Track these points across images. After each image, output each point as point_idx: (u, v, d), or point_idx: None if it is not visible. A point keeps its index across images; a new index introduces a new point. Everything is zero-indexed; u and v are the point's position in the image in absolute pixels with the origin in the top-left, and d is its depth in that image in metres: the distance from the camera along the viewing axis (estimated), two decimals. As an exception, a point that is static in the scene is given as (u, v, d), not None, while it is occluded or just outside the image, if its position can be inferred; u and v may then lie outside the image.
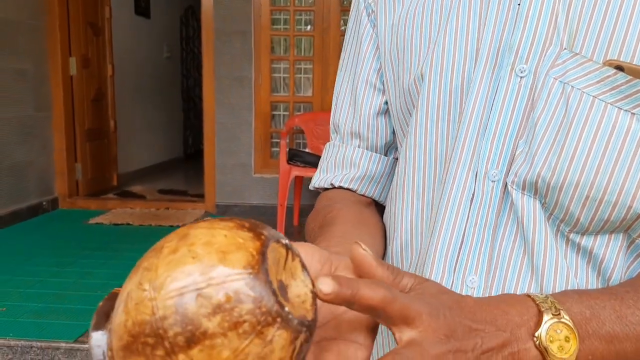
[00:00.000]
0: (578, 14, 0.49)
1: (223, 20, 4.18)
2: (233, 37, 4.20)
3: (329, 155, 0.71)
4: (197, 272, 0.30)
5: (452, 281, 0.53)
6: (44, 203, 4.34)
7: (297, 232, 3.96)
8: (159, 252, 0.32)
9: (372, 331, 0.38)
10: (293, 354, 0.31)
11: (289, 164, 3.72)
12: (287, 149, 3.78)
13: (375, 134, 0.67)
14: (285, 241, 0.33)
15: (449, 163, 0.55)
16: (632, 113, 0.47)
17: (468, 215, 0.53)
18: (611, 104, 0.48)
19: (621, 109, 0.47)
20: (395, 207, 0.62)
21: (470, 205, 0.53)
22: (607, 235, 0.51)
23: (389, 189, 0.68)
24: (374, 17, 0.65)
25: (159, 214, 4.40)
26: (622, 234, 0.51)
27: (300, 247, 0.37)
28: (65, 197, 4.52)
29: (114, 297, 0.36)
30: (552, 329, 0.40)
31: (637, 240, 0.51)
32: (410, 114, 0.60)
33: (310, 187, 0.73)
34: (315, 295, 0.33)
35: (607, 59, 0.48)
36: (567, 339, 0.40)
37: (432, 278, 0.54)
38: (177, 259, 0.31)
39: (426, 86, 0.56)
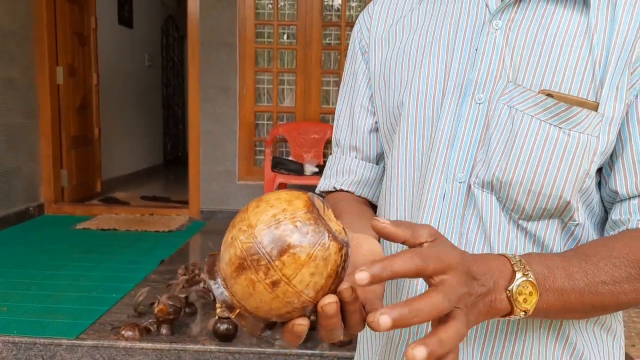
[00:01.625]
0: (519, 56, 0.66)
1: (209, 33, 4.33)
2: (219, 48, 4.35)
3: (332, 164, 0.86)
4: (276, 212, 0.46)
5: None
6: (30, 209, 4.41)
7: (279, 237, 4.11)
8: (245, 211, 0.48)
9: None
10: (341, 259, 0.47)
11: (273, 171, 3.88)
12: (272, 157, 3.95)
13: (369, 148, 0.82)
14: (322, 198, 0.50)
15: (426, 169, 0.70)
16: (559, 127, 0.63)
17: (441, 210, 0.68)
18: (544, 121, 0.63)
19: (552, 124, 0.63)
20: (386, 205, 0.76)
21: (443, 202, 0.68)
22: (546, 221, 0.66)
23: (380, 191, 0.82)
24: (367, 56, 0.81)
25: (144, 220, 4.50)
26: (557, 219, 0.66)
27: None
28: (51, 203, 4.59)
29: (213, 255, 0.53)
30: (521, 286, 0.52)
31: (568, 224, 0.67)
32: (394, 131, 0.75)
33: (317, 190, 0.87)
34: (344, 230, 0.49)
35: (541, 88, 0.64)
36: (530, 294, 0.53)
37: None
38: (260, 210, 0.47)
39: (406, 110, 0.72)
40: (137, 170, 6.68)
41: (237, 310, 0.49)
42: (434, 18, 0.73)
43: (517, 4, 0.67)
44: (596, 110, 0.63)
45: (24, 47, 4.26)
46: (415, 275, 0.46)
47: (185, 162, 7.65)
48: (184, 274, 2.68)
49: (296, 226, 0.46)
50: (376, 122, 0.81)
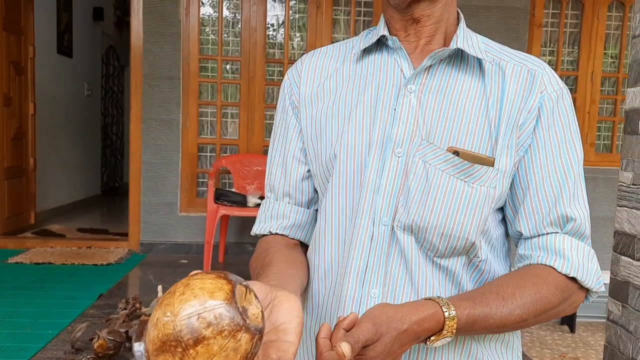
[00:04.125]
0: (430, 117, 0.77)
1: (152, 66, 4.35)
2: (161, 81, 4.37)
3: (266, 209, 0.92)
4: (197, 304, 0.51)
5: (361, 294, 0.78)
6: (-43, 243, 4.20)
7: (222, 269, 4.09)
8: (172, 294, 0.53)
9: (298, 335, 0.57)
10: (252, 347, 0.52)
11: (216, 203, 3.90)
12: (214, 189, 3.97)
13: (301, 194, 0.89)
14: (245, 283, 0.55)
15: (356, 214, 0.79)
16: (464, 181, 0.75)
17: (370, 249, 0.77)
18: (452, 176, 0.75)
19: (458, 178, 0.75)
20: (319, 245, 0.84)
21: (371, 243, 0.77)
22: (456, 257, 0.77)
23: (312, 232, 0.90)
24: (297, 111, 0.87)
25: (81, 253, 4.38)
26: (464, 256, 0.78)
27: (251, 284, 0.56)
28: (-19, 237, 4.40)
29: (143, 322, 0.59)
30: (447, 327, 0.69)
31: (473, 260, 0.78)
32: (328, 180, 0.84)
33: (252, 233, 0.94)
34: (262, 313, 0.55)
35: (449, 146, 0.75)
36: (453, 318, 0.68)
37: (348, 293, 0.79)
38: (185, 298, 0.52)
39: (337, 162, 0.81)
40: (73, 202, 6.48)
41: None
42: (357, 80, 0.83)
43: (427, 71, 0.79)
44: (493, 166, 0.75)
45: (-43, 75, 4.13)
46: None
47: (122, 194, 7.51)
48: (125, 308, 2.65)
49: (213, 320, 0.51)
50: (308, 171, 0.88)
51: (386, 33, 0.81)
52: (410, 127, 0.78)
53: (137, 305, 2.65)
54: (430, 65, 0.80)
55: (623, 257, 2.13)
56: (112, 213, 6.52)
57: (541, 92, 0.78)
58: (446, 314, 0.68)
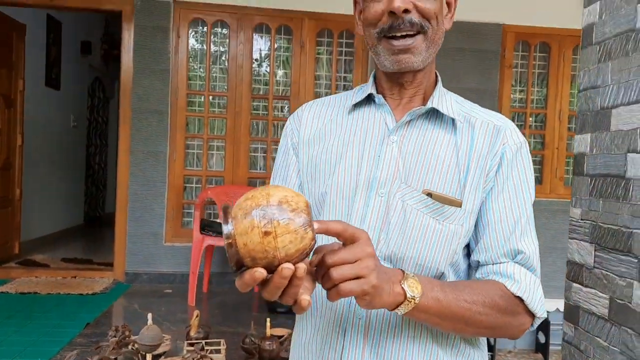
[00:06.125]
0: (409, 163, 0.90)
1: (141, 100, 4.49)
2: (150, 115, 4.50)
3: None
4: (288, 195, 0.67)
5: (349, 314, 0.89)
6: (-58, 273, 4.21)
7: (206, 299, 4.14)
8: (266, 187, 0.68)
9: (313, 281, 0.73)
10: (310, 246, 0.67)
11: (202, 233, 4.01)
12: (200, 219, 4.08)
13: None
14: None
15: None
16: (436, 219, 0.87)
17: None
18: (426, 214, 0.87)
19: (431, 217, 0.87)
20: None
21: None
22: None
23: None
24: (297, 151, 0.99)
25: (66, 282, 4.42)
26: None
27: None
28: (-35, 267, 4.41)
29: (227, 208, 0.70)
30: (409, 282, 0.76)
31: None
32: (320, 214, 0.95)
33: None
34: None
35: (424, 188, 0.88)
36: (416, 287, 0.76)
37: (340, 315, 0.89)
38: (278, 189, 0.68)
39: (328, 198, 0.93)
40: (56, 232, 6.49)
41: (230, 241, 0.66)
42: (348, 129, 0.97)
43: (407, 124, 0.94)
44: (461, 207, 0.88)
45: (-52, 107, 4.20)
46: (339, 232, 0.72)
47: (104, 223, 7.52)
48: (115, 336, 2.73)
49: (296, 209, 0.66)
50: None
51: (373, 91, 0.97)
52: (391, 171, 0.90)
53: (127, 333, 2.73)
54: (410, 120, 0.94)
55: (574, 284, 2.32)
56: (95, 243, 6.53)
57: (504, 144, 0.92)
58: (406, 271, 0.79)
